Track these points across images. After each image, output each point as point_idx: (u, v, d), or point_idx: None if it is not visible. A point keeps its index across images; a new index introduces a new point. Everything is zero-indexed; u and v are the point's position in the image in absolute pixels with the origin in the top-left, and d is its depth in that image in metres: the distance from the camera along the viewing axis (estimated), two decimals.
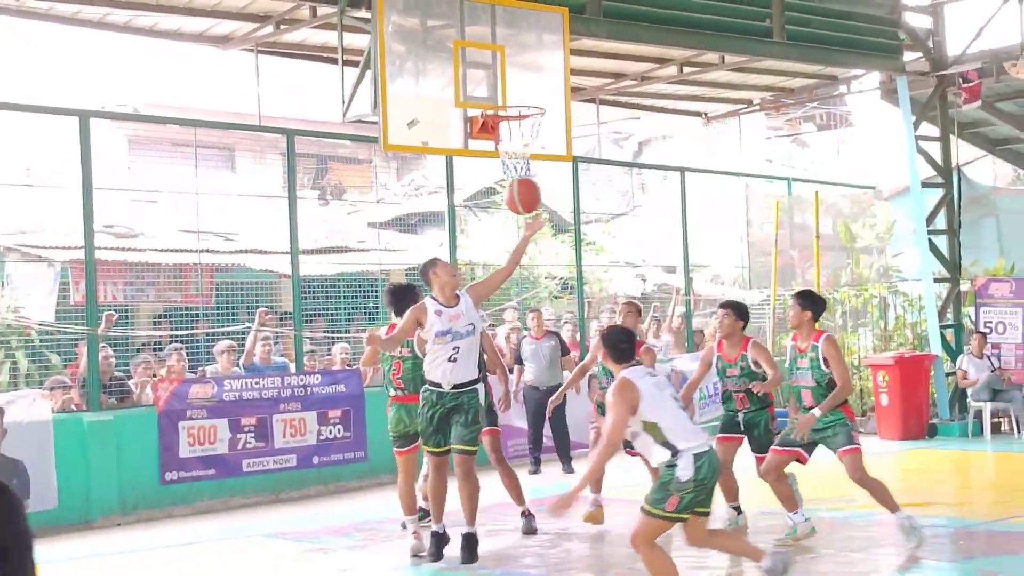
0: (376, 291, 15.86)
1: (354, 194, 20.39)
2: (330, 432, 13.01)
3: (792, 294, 9.54)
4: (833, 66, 17.01)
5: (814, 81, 18.31)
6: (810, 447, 8.84)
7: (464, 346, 8.48)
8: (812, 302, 9.07)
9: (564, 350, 13.71)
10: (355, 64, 11.82)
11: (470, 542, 8.70)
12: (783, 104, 20.17)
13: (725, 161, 21.10)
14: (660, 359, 17.04)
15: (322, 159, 20.19)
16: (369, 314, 15.96)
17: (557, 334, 14.02)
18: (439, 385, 8.52)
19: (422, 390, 8.66)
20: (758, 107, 19.68)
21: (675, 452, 6.49)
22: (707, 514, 6.75)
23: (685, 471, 6.44)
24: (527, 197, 9.28)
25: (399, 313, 8.97)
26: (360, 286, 16.15)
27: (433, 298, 8.62)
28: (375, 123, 11.31)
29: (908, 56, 16.94)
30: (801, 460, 8.91)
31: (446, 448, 8.64)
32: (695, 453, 6.49)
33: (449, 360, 8.42)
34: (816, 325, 9.01)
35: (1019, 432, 15.32)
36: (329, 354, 14.32)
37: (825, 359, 8.73)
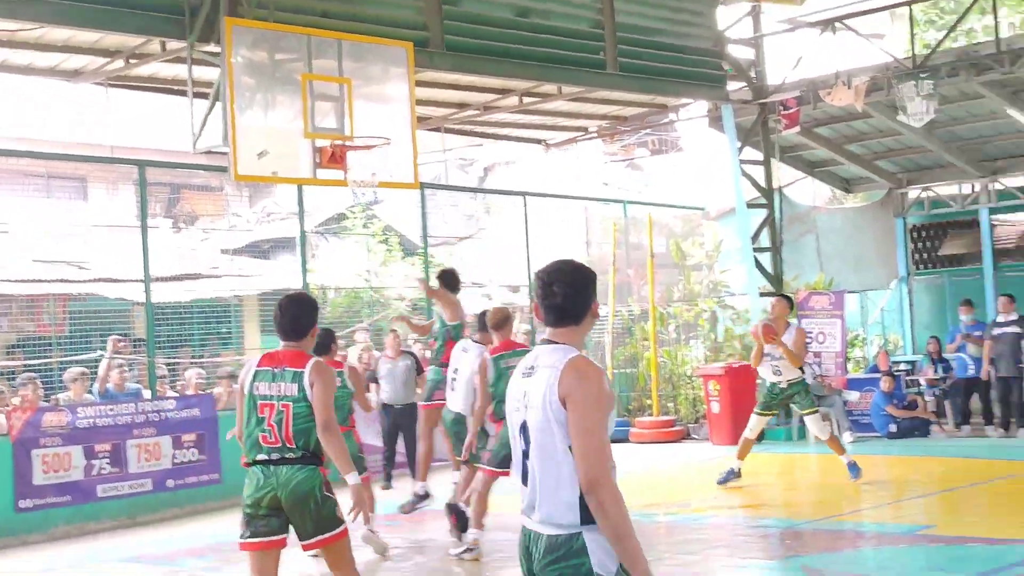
0: (229, 316, 15.94)
1: (207, 221, 20.34)
2: (184, 456, 13.15)
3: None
4: (663, 95, 17.57)
5: (646, 109, 18.92)
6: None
7: None
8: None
9: (419, 369, 13.58)
10: (205, 96, 11.97)
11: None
12: (618, 131, 20.77)
13: (565, 185, 21.59)
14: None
15: (174, 187, 20.06)
16: (222, 339, 16.05)
17: (412, 354, 13.99)
18: None
19: None
20: (595, 134, 20.28)
21: None
22: None
23: None
24: None
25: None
26: (214, 311, 16.22)
27: None
28: (226, 153, 11.38)
29: (732, 85, 17.78)
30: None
31: None
32: None
33: None
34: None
35: (840, 434, 15.85)
36: (183, 379, 14.37)
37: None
